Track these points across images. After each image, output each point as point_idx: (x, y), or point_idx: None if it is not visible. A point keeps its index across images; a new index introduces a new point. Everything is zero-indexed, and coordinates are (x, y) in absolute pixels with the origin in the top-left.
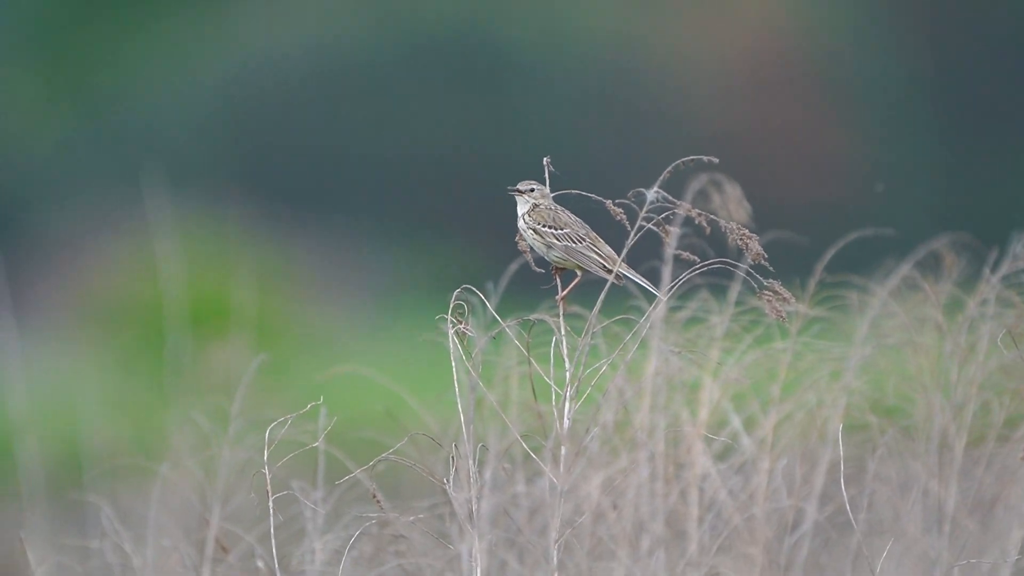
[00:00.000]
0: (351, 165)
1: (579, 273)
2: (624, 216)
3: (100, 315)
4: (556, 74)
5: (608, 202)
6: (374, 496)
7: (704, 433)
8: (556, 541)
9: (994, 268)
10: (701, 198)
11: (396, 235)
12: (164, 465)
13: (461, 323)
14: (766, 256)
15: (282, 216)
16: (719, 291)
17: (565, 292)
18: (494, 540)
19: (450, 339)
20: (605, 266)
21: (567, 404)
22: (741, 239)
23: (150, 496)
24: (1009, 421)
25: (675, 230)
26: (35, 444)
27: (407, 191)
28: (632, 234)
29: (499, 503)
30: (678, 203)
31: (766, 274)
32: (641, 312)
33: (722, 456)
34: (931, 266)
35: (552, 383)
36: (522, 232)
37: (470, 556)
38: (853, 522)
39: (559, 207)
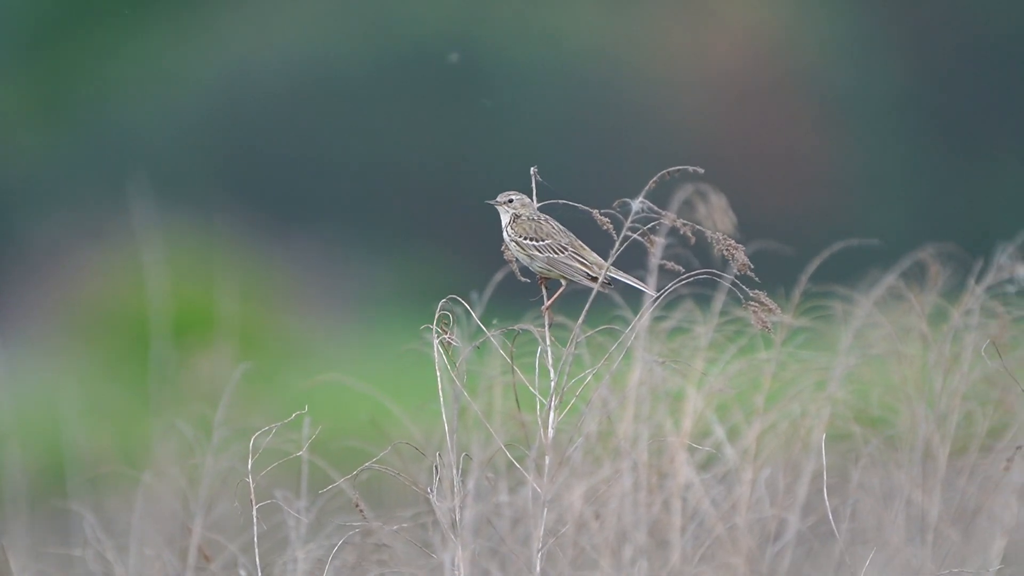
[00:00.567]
0: (335, 175)
1: (564, 283)
2: (610, 226)
3: (84, 324)
4: (540, 84)
5: (594, 212)
6: (357, 505)
7: (687, 443)
8: (539, 550)
9: (979, 278)
10: (686, 208)
11: (380, 245)
12: (147, 473)
13: (446, 333)
14: (751, 266)
15: (267, 226)
16: (704, 301)
17: (550, 302)
18: (477, 549)
19: (435, 349)
20: (589, 274)
21: (551, 414)
22: (726, 249)
23: (133, 504)
24: (992, 431)
25: (660, 240)
26: (18, 452)
27: (392, 201)
28: (617, 244)
29: (482, 512)
30: (663, 213)
31: (751, 284)
32: (626, 322)
33: (705, 466)
34: (916, 276)
35: (536, 393)
36: (507, 243)
37: (453, 565)
38: (836, 532)
39: (543, 216)
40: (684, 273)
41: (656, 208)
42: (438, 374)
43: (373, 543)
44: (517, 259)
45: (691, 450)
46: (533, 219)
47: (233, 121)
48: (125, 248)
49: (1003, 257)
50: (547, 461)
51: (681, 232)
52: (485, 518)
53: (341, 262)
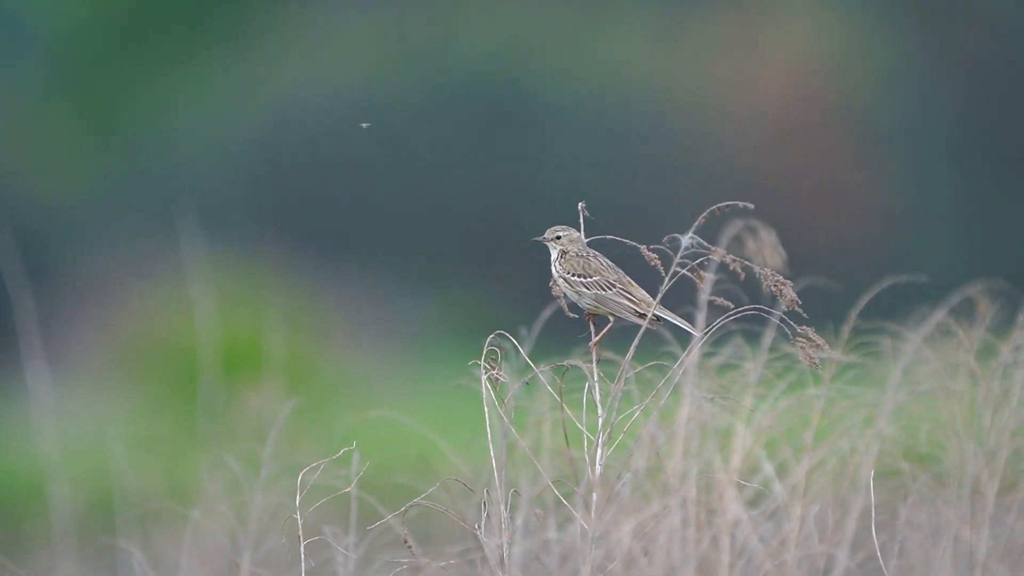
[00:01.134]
0: (384, 208)
1: (612, 319)
2: (658, 262)
3: (132, 358)
4: (588, 119)
5: (643, 247)
6: (406, 541)
7: (736, 479)
8: None
9: None
10: (736, 244)
11: (429, 280)
12: (196, 510)
13: (494, 369)
14: (800, 302)
15: (315, 260)
16: (753, 337)
17: (598, 338)
18: None
19: (483, 385)
20: (637, 311)
21: (599, 450)
22: (775, 286)
23: (182, 541)
24: None
25: (709, 276)
26: (67, 488)
27: (440, 235)
28: (667, 280)
29: (530, 549)
30: (713, 249)
31: (800, 320)
32: (674, 358)
33: (754, 502)
34: (965, 312)
35: (584, 429)
36: (555, 279)
37: None
38: (884, 569)
39: (592, 252)
40: (733, 309)
41: (705, 244)
42: (486, 410)
43: None
44: (565, 295)
45: (740, 487)
46: (582, 255)
47: (282, 154)
48: (173, 281)
49: None
50: (595, 497)
51: (730, 268)
52: (533, 554)
53: (389, 297)
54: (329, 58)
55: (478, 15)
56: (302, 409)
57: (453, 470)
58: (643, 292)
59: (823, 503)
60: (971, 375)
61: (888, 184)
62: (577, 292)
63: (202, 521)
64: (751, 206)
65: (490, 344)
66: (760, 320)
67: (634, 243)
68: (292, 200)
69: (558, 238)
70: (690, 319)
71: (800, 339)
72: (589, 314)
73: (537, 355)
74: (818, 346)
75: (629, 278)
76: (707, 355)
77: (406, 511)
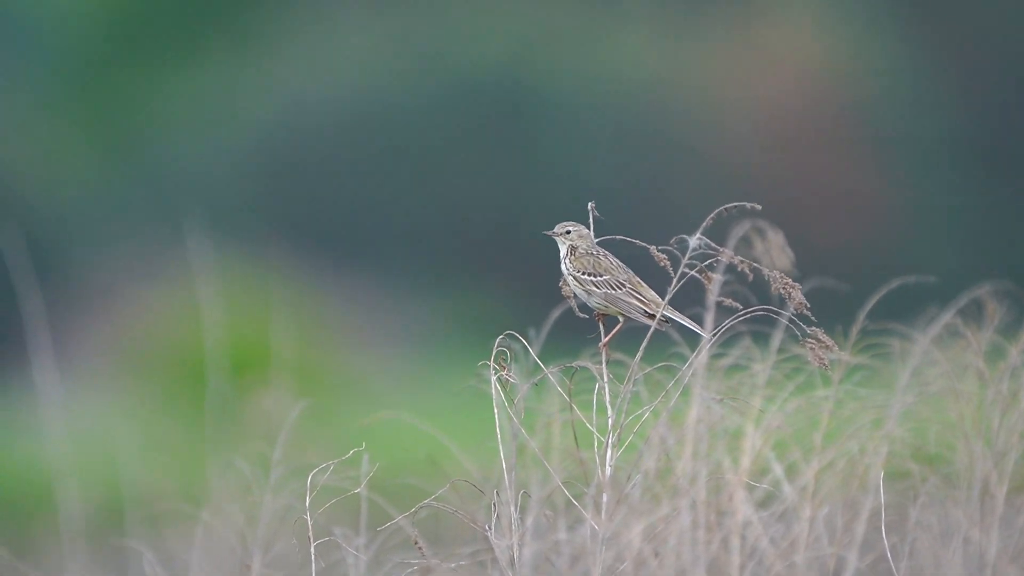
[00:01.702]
0: (391, 210)
1: (621, 319)
2: (667, 262)
3: (141, 360)
4: (594, 119)
5: (652, 248)
6: (416, 543)
7: (746, 481)
8: None
9: None
10: (744, 245)
11: (437, 280)
12: (206, 511)
13: (503, 369)
14: (808, 305)
15: (322, 262)
16: (762, 338)
17: (607, 339)
18: None
19: (492, 385)
20: (647, 311)
21: (609, 451)
22: (784, 287)
23: (192, 542)
24: None
25: (718, 277)
26: (76, 489)
27: (448, 236)
28: (675, 280)
29: (541, 550)
30: (721, 250)
31: (808, 322)
32: (683, 359)
33: (764, 504)
34: (973, 314)
35: (594, 430)
36: (565, 277)
37: None
38: (894, 570)
39: (602, 251)
40: (741, 310)
41: (713, 245)
42: (496, 411)
43: None
44: (575, 294)
45: (749, 488)
46: (592, 254)
47: (288, 157)
48: (181, 284)
49: None
50: (605, 499)
51: (739, 269)
52: (544, 556)
53: (398, 298)
54: (334, 60)
55: (482, 17)
56: (311, 410)
57: (463, 471)
58: (652, 293)
59: (833, 505)
60: (980, 376)
61: (895, 185)
62: (587, 291)
63: (212, 522)
64: (758, 207)
65: (499, 345)
66: (769, 321)
67: (643, 243)
68: (299, 202)
69: (568, 233)
70: (698, 320)
71: (809, 340)
72: (598, 314)
73: (546, 356)
74: (827, 347)
75: (639, 278)
76: (716, 356)
77: (416, 512)
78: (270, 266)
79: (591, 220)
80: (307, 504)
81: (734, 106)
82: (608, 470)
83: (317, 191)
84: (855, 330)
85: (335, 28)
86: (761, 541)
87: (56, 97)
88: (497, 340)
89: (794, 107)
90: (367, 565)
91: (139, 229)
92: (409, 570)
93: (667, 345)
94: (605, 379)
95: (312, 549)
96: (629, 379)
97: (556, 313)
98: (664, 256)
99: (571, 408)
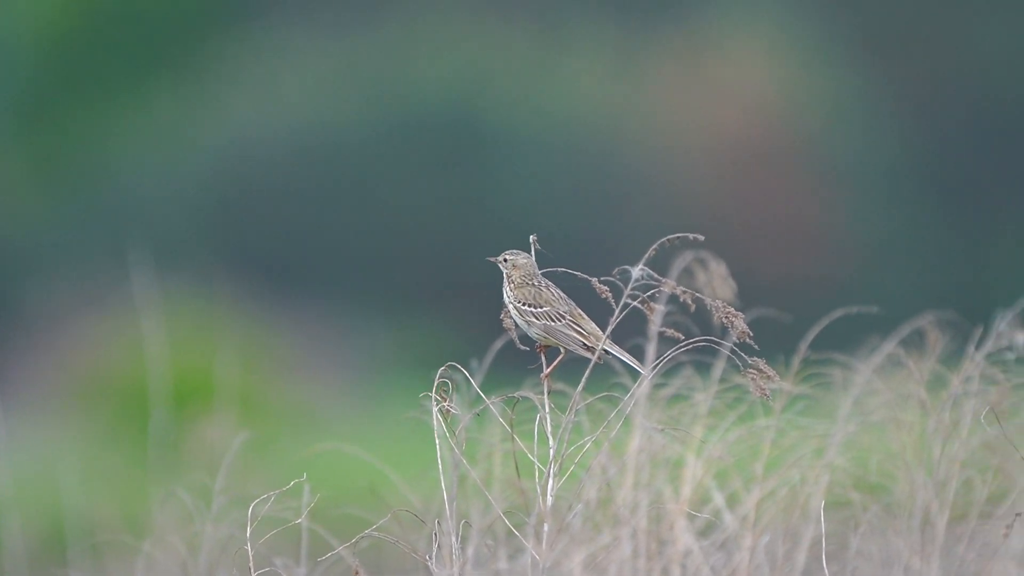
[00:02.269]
0: (336, 242)
1: (563, 351)
2: (609, 294)
3: (84, 391)
4: (540, 151)
5: (594, 280)
6: (356, 572)
7: (687, 510)
8: None
9: (978, 346)
10: (686, 275)
11: (380, 313)
12: (147, 541)
13: (445, 400)
14: (751, 334)
15: (267, 293)
16: (703, 368)
17: (549, 369)
18: None
19: (434, 416)
20: (585, 344)
21: (550, 481)
22: (726, 317)
23: (133, 572)
24: (991, 498)
25: (660, 308)
26: (18, 519)
27: (392, 268)
28: (617, 312)
29: None
30: (663, 280)
31: (751, 352)
32: (625, 389)
33: (705, 533)
34: (915, 343)
35: (535, 460)
36: (506, 307)
37: None
38: None
39: (544, 282)
40: (683, 340)
41: (656, 275)
42: (437, 442)
43: None
44: (517, 325)
45: (691, 517)
46: (534, 285)
47: (234, 188)
48: (125, 315)
49: (1002, 324)
50: (546, 528)
51: (681, 300)
52: None
53: (341, 329)
54: (281, 92)
55: (432, 46)
56: (253, 441)
57: (404, 501)
58: (593, 325)
59: (774, 533)
60: (921, 406)
61: (839, 216)
62: (527, 321)
63: (154, 552)
64: (701, 238)
65: (441, 376)
66: (711, 351)
67: (585, 275)
68: (245, 233)
69: (504, 260)
70: (640, 351)
71: (751, 370)
72: (540, 346)
73: (488, 386)
74: (769, 377)
75: (580, 310)
76: (658, 386)
77: (357, 542)
78: (215, 297)
79: (532, 253)
80: (248, 534)
81: (682, 137)
82: (549, 500)
83: (263, 222)
84: (797, 360)
85: (284, 60)
86: (702, 570)
87: (1, 129)
88: (439, 371)
89: (740, 137)
90: None
91: (83, 261)
92: None
93: (609, 375)
94: (547, 409)
95: None
96: (571, 409)
97: (498, 344)
98: (606, 288)
99: (512, 438)
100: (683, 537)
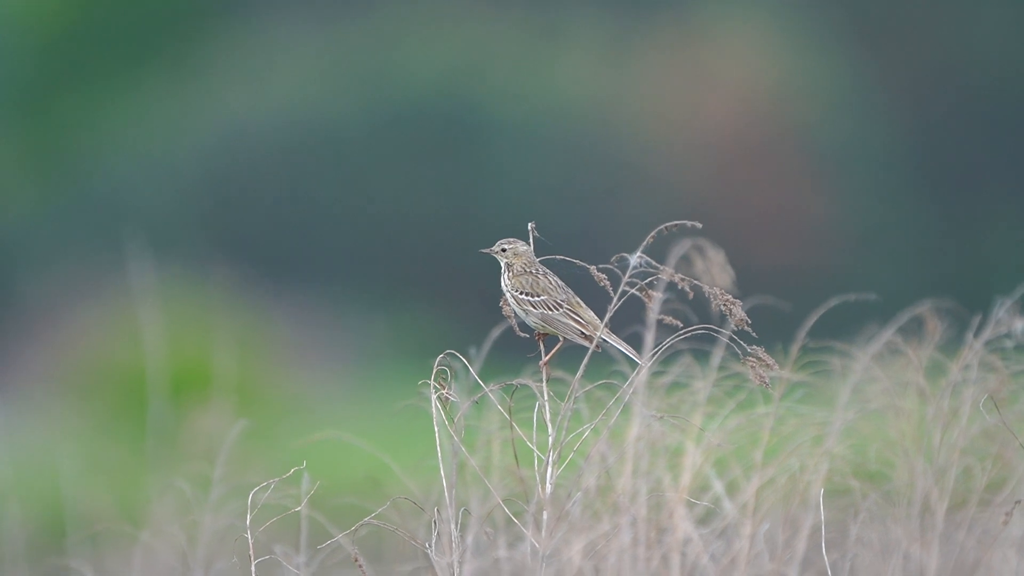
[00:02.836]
0: (332, 230)
1: (561, 339)
2: (607, 281)
3: (82, 381)
4: (535, 138)
5: (592, 268)
6: (356, 560)
7: (686, 498)
8: None
9: (977, 333)
10: (684, 263)
11: (378, 301)
12: (146, 531)
13: (444, 388)
14: (749, 321)
15: (264, 281)
16: (702, 356)
17: (548, 357)
18: None
19: (432, 404)
20: (583, 332)
21: (549, 469)
22: (724, 305)
23: (132, 562)
24: (991, 485)
25: (658, 295)
26: (17, 509)
27: (389, 257)
28: (615, 299)
29: (481, 567)
30: (661, 268)
31: (749, 340)
32: (624, 377)
33: (704, 520)
34: (914, 331)
35: (535, 448)
36: (504, 296)
37: None
38: None
39: (542, 270)
40: (682, 328)
41: (654, 263)
42: (436, 430)
43: None
44: (515, 313)
45: (690, 505)
46: (531, 273)
47: (229, 177)
48: (122, 305)
49: (1001, 311)
50: (545, 516)
51: (679, 287)
52: (484, 573)
53: (339, 318)
54: (275, 81)
55: (424, 36)
56: (251, 430)
57: (403, 489)
58: (591, 314)
59: (773, 521)
60: (920, 393)
61: (836, 204)
62: (524, 310)
63: (152, 542)
64: (699, 225)
65: (439, 363)
66: (709, 339)
67: (583, 263)
68: (241, 222)
69: (503, 251)
70: (638, 339)
71: (750, 358)
72: (538, 333)
73: (487, 374)
74: (768, 365)
75: (578, 299)
76: (656, 374)
77: (357, 530)
78: (211, 286)
79: (531, 241)
80: (247, 523)
81: (677, 126)
82: (548, 488)
83: (258, 212)
84: (796, 348)
85: (274, 50)
86: (701, 558)
87: None
88: (437, 359)
89: (736, 126)
90: None
91: (80, 252)
92: None
93: (608, 363)
94: (545, 397)
95: (253, 568)
96: (570, 397)
97: (497, 332)
98: (604, 276)
99: (511, 426)
100: (682, 525)
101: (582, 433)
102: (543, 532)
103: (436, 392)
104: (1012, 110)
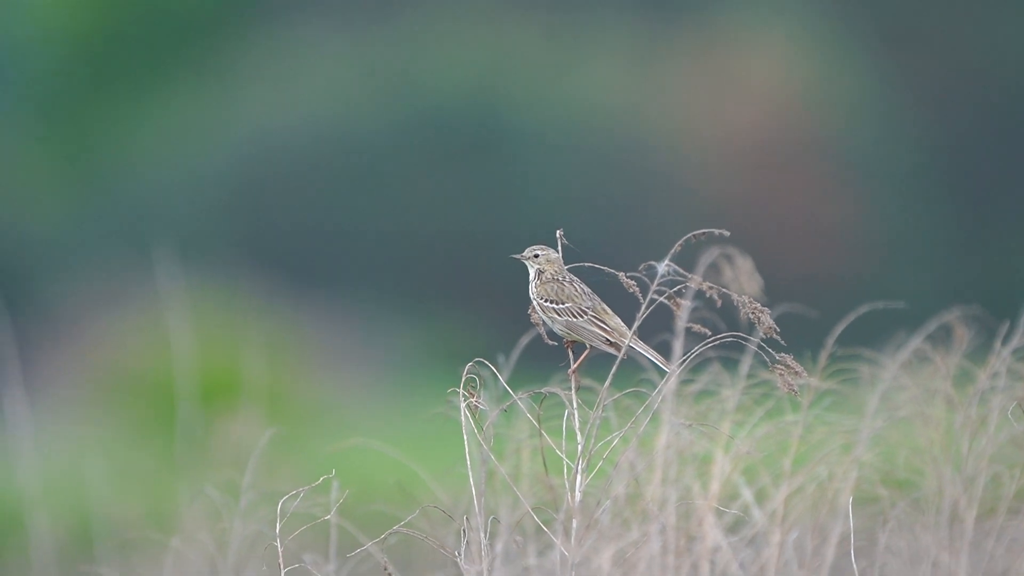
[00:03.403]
0: (361, 238)
1: (589, 346)
2: (636, 289)
3: (111, 388)
4: (563, 145)
5: (620, 274)
6: (386, 569)
7: (715, 506)
8: None
9: (1005, 340)
10: (712, 271)
11: (407, 308)
12: (176, 538)
13: (473, 396)
14: (777, 329)
15: (292, 289)
16: (731, 364)
17: (576, 365)
18: None
19: (462, 412)
20: (609, 339)
21: (578, 477)
22: (752, 312)
23: (162, 569)
24: (1020, 493)
25: (686, 303)
26: (46, 517)
27: (417, 264)
28: (644, 307)
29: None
30: (690, 276)
31: (777, 347)
32: (652, 385)
33: (733, 529)
34: (942, 339)
35: (564, 456)
36: (533, 304)
37: None
38: None
39: (569, 277)
40: (710, 336)
41: (682, 271)
42: (465, 438)
43: None
44: (543, 321)
45: (719, 513)
46: (557, 279)
47: (258, 185)
48: (150, 312)
49: None
50: (575, 524)
51: (707, 295)
52: None
53: (367, 325)
54: (303, 88)
55: (451, 43)
56: (281, 437)
57: (432, 498)
58: (617, 320)
59: (802, 529)
60: (948, 401)
61: (864, 211)
62: (550, 318)
63: (182, 549)
64: (727, 233)
65: (469, 371)
66: (738, 347)
67: (612, 270)
68: (269, 229)
69: (536, 256)
70: (667, 346)
71: (778, 366)
72: (567, 341)
73: (516, 382)
74: (796, 373)
75: (605, 305)
76: (685, 382)
77: (386, 539)
78: (240, 294)
79: (559, 248)
80: (277, 531)
81: (703, 133)
82: (578, 496)
83: (287, 219)
84: (824, 356)
85: (301, 56)
86: (731, 566)
87: (24, 127)
88: (466, 367)
89: (764, 134)
90: None
91: (108, 259)
92: None
93: (637, 371)
94: (574, 405)
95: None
96: (598, 405)
97: (525, 340)
98: (633, 283)
99: (540, 434)
100: (711, 533)
101: (611, 441)
102: (572, 540)
103: (465, 400)
104: None
